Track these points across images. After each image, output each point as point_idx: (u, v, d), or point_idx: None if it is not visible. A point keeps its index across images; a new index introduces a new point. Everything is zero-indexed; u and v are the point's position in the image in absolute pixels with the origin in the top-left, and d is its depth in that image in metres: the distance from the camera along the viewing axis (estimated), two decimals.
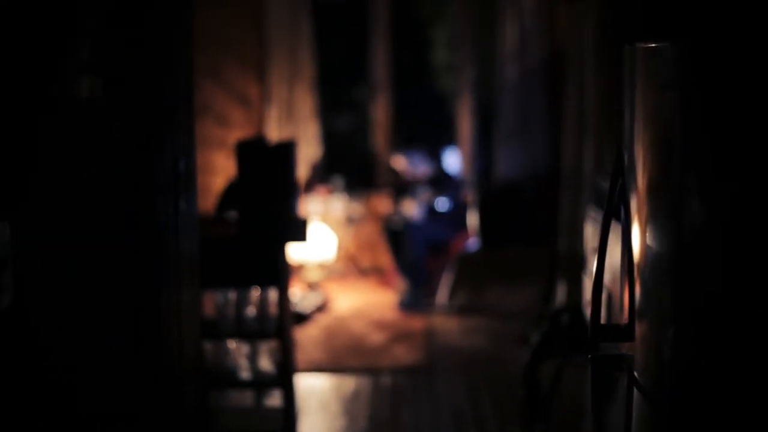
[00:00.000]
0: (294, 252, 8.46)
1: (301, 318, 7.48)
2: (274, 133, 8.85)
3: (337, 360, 6.50)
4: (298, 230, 4.31)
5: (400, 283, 8.23)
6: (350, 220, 8.97)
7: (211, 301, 4.35)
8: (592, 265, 4.51)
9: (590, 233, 4.57)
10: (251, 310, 4.34)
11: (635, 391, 2.23)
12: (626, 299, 2.34)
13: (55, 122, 2.00)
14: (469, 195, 8.36)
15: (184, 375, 2.92)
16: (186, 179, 2.66)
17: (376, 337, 7.06)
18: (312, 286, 8.29)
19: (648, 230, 2.18)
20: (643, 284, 2.20)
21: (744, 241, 1.89)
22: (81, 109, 2.12)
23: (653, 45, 2.14)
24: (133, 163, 2.34)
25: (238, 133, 8.98)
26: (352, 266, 9.02)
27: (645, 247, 2.19)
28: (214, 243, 4.19)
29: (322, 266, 8.55)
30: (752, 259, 1.87)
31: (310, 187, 8.81)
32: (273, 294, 4.29)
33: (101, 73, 2.18)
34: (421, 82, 9.84)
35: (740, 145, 1.88)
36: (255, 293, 4.32)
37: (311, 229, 8.16)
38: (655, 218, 2.13)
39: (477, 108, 9.10)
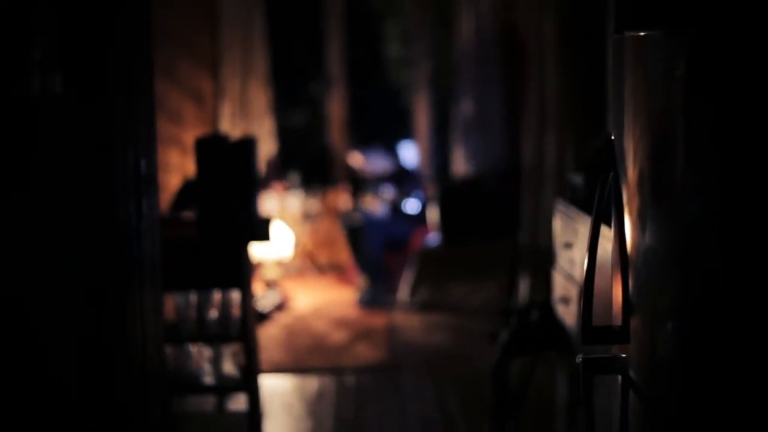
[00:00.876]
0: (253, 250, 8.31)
1: (261, 317, 7.34)
2: (228, 129, 8.69)
3: (299, 360, 6.37)
4: (260, 229, 4.18)
5: (360, 280, 8.11)
6: (307, 217, 8.84)
7: (172, 304, 4.20)
8: (565, 261, 4.43)
9: (559, 227, 4.49)
10: (213, 313, 4.20)
11: (630, 392, 2.13)
12: (615, 297, 2.24)
13: (13, 122, 1.88)
14: (429, 189, 8.26)
15: (148, 380, 2.79)
16: (147, 180, 2.52)
17: (338, 336, 6.94)
18: (270, 285, 8.15)
19: (640, 225, 2.08)
20: (636, 281, 2.11)
21: (747, 235, 1.80)
22: (41, 108, 1.99)
23: (645, 33, 2.04)
24: (94, 164, 2.21)
25: (191, 130, 8.82)
26: (310, 263, 8.89)
27: (638, 242, 2.09)
28: (174, 244, 4.05)
29: (280, 264, 8.41)
30: (755, 253, 1.79)
31: (266, 183, 8.67)
32: (235, 295, 4.15)
33: (59, 71, 2.07)
34: (376, 77, 9.72)
35: (745, 138, 1.78)
36: (217, 295, 4.18)
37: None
38: (649, 212, 2.03)
39: (434, 102, 9.01)
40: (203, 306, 4.16)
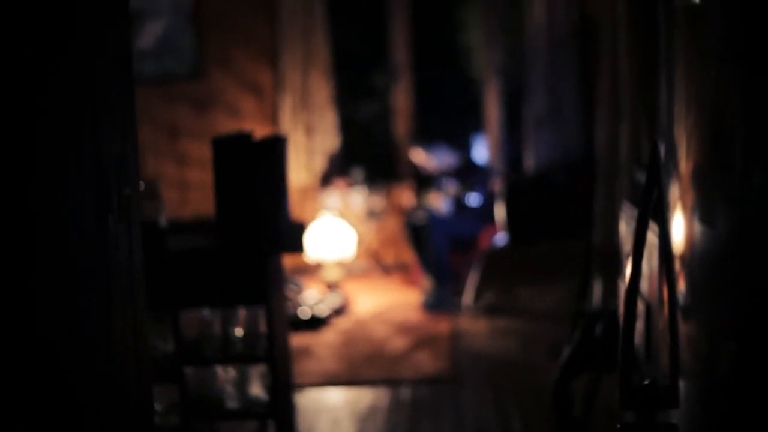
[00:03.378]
0: (310, 251, 7.95)
1: (318, 322, 6.96)
2: (289, 123, 8.33)
3: (353, 370, 5.97)
4: (289, 238, 3.78)
5: (425, 282, 7.68)
6: (371, 214, 8.43)
7: (195, 321, 3.83)
8: (627, 271, 3.95)
9: (625, 233, 4.00)
10: (239, 330, 3.81)
11: None
12: (659, 336, 1.80)
13: None
14: (497, 185, 7.79)
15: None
16: (118, 175, 2.14)
17: (398, 343, 6.52)
18: (331, 287, 7.76)
19: (697, 221, 1.66)
20: (691, 284, 1.67)
21: None
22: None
23: (698, 1, 1.59)
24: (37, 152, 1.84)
25: (250, 124, 8.48)
26: (374, 263, 8.48)
27: (695, 241, 1.66)
28: (190, 255, 3.68)
29: (342, 265, 8.02)
30: None
31: (327, 180, 8.28)
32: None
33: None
34: (445, 66, 9.25)
35: None
36: (243, 311, 3.80)
37: (312, 234, 7.67)
38: (706, 207, 1.61)
39: (505, 92, 8.54)
40: (227, 323, 3.78)
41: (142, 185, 3.82)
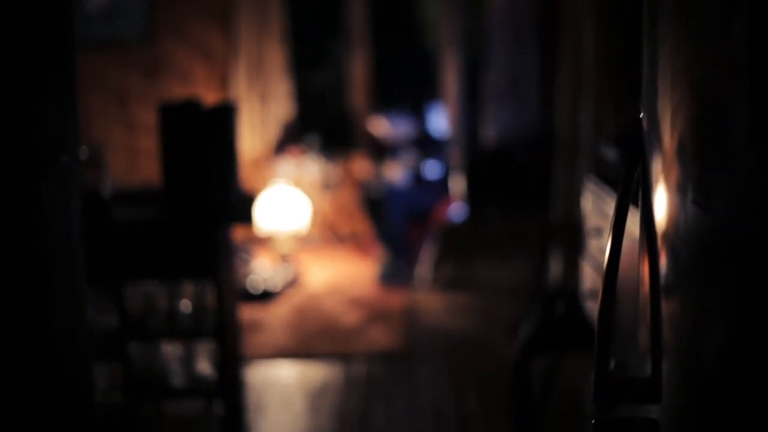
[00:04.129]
0: (261, 221, 7.76)
1: (270, 295, 6.79)
2: (243, 90, 8.12)
3: (305, 345, 5.82)
4: (239, 209, 3.60)
5: (380, 254, 7.53)
6: (326, 184, 8.25)
7: (140, 295, 3.65)
8: (595, 250, 3.81)
9: (589, 209, 3.87)
10: (186, 305, 3.64)
11: None
12: (642, 317, 1.66)
13: None
14: (455, 157, 7.64)
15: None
16: (56, 142, 1.96)
17: (351, 317, 6.37)
18: (283, 258, 7.59)
19: (680, 199, 1.53)
20: (674, 273, 1.54)
21: None
22: None
23: None
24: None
25: (201, 90, 8.25)
26: (329, 234, 8.32)
27: (678, 220, 1.53)
28: (135, 226, 3.50)
29: (295, 236, 7.84)
30: None
31: (281, 148, 8.09)
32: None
33: None
34: (403, 36, 9.07)
35: None
36: (190, 285, 3.62)
37: (265, 204, 7.48)
38: (693, 184, 1.48)
39: (464, 63, 8.37)
40: (174, 297, 3.60)
41: (84, 152, 3.63)
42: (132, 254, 3.49)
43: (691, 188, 1.58)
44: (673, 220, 1.67)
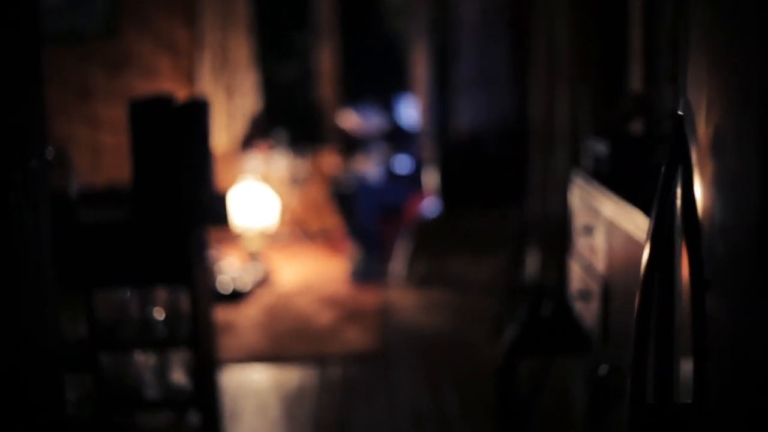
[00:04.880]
0: (229, 220, 7.57)
1: (240, 295, 6.61)
2: (208, 83, 7.92)
3: (279, 347, 5.65)
4: (213, 211, 3.43)
5: (352, 251, 7.37)
6: (295, 180, 8.07)
7: (110, 303, 3.47)
8: (584, 248, 3.68)
9: (578, 206, 3.73)
10: (159, 312, 3.46)
11: None
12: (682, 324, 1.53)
13: None
14: (427, 150, 7.48)
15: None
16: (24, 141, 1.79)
17: (325, 317, 6.21)
18: (252, 256, 7.40)
19: (717, 194, 1.41)
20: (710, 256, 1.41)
21: None
22: None
23: None
24: None
25: (166, 84, 8.05)
26: (298, 231, 8.14)
27: (713, 217, 1.41)
28: (104, 229, 3.32)
29: (264, 233, 7.67)
30: None
31: (248, 143, 7.91)
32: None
33: None
34: (371, 25, 8.90)
35: None
36: (162, 291, 3.44)
37: (232, 201, 7.30)
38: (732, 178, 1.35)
39: (434, 52, 8.21)
40: (146, 304, 3.42)
41: (50, 152, 3.44)
42: (101, 259, 3.31)
43: (728, 181, 1.47)
44: (708, 215, 1.56)
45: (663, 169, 1.60)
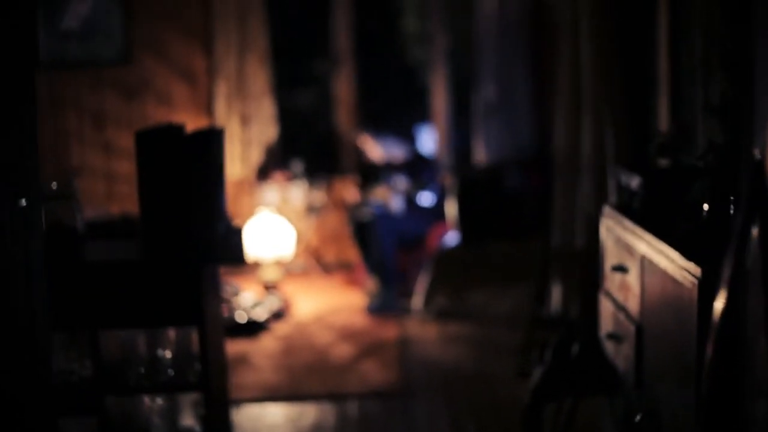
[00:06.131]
0: (247, 251, 7.43)
1: (256, 328, 6.46)
2: (223, 112, 7.81)
3: (295, 383, 5.48)
4: (227, 246, 3.27)
5: (369, 283, 7.20)
6: (311, 210, 7.93)
7: (117, 342, 3.31)
8: (615, 287, 3.51)
9: (609, 243, 3.56)
10: (168, 353, 3.30)
11: None
12: None
13: None
14: (447, 180, 7.32)
15: None
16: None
17: (342, 351, 6.05)
18: (268, 288, 7.25)
19: None
20: None
21: None
22: None
23: None
24: None
25: (182, 113, 7.94)
26: (315, 262, 7.99)
27: None
28: (111, 267, 3.17)
29: (280, 264, 7.52)
30: None
31: (265, 173, 7.77)
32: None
33: None
34: (389, 54, 8.77)
35: None
36: (171, 333, 3.29)
37: (249, 232, 7.17)
38: None
39: (453, 80, 8.08)
40: (154, 344, 3.26)
41: (54, 185, 3.30)
42: (106, 298, 3.16)
43: None
44: None
45: (740, 215, 1.44)
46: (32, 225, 1.78)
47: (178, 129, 3.17)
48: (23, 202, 1.65)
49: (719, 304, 1.44)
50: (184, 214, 3.05)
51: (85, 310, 3.18)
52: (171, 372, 3.27)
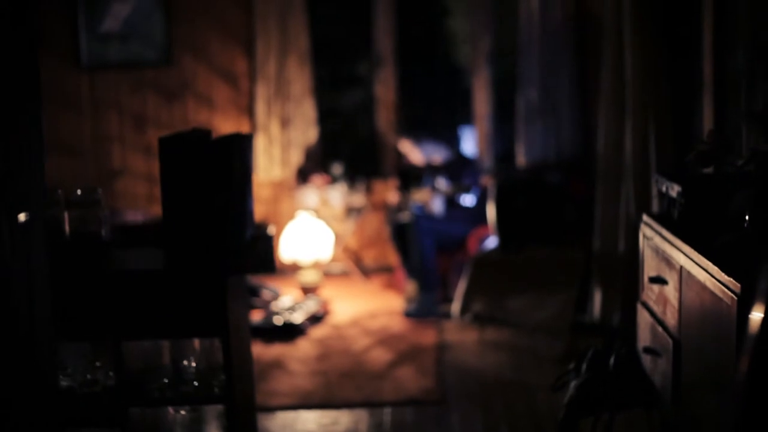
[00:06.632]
0: (285, 252, 7.39)
1: (293, 331, 6.40)
2: (263, 114, 7.76)
3: (329, 389, 5.41)
4: (253, 254, 3.19)
5: (409, 287, 7.12)
6: (351, 213, 7.86)
7: (141, 349, 3.25)
8: (653, 300, 3.39)
9: (647, 253, 3.45)
10: (192, 364, 3.24)
11: None
12: None
13: None
14: (488, 182, 7.21)
15: None
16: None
17: (379, 356, 5.97)
18: (307, 291, 7.20)
19: None
20: None
21: None
22: None
23: None
24: None
25: (223, 115, 7.91)
26: (354, 266, 7.92)
27: None
28: (134, 276, 3.11)
29: (319, 267, 7.46)
30: None
31: (304, 176, 7.71)
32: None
33: None
34: (432, 55, 8.67)
35: None
36: (196, 343, 3.22)
37: (288, 235, 7.11)
38: None
39: (495, 82, 7.98)
40: (179, 355, 3.20)
41: (78, 192, 3.25)
42: (130, 308, 3.10)
43: None
44: None
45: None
46: (34, 239, 1.71)
47: (203, 134, 3.10)
48: (22, 216, 1.59)
49: (756, 316, 1.36)
50: (208, 222, 2.99)
51: (108, 319, 3.12)
52: (195, 383, 3.20)
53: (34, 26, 1.74)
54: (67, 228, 3.18)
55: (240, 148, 3.11)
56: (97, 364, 3.25)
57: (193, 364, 3.23)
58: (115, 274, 3.14)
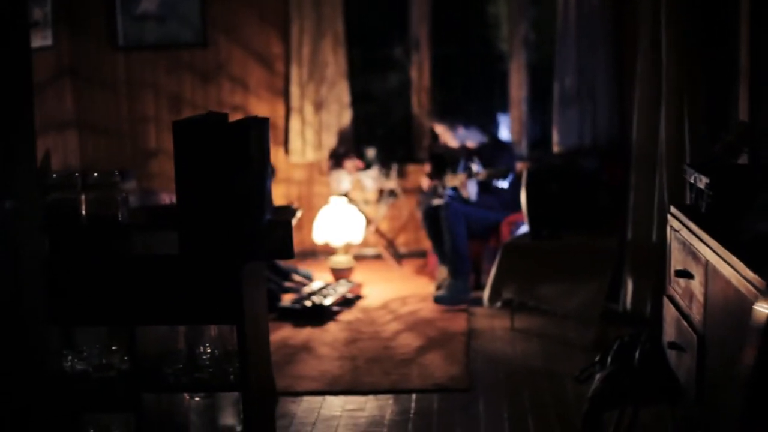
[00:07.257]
0: (318, 237, 7.37)
1: (323, 315, 6.37)
2: (297, 97, 7.72)
3: (356, 374, 5.39)
4: (270, 240, 3.15)
5: (440, 272, 7.06)
6: (384, 197, 7.80)
7: (156, 333, 3.23)
8: (679, 293, 3.32)
9: (674, 246, 3.37)
10: (208, 351, 3.20)
11: None
12: None
13: None
14: (522, 168, 7.10)
15: None
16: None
17: (407, 342, 5.93)
18: (338, 275, 7.17)
19: None
20: None
21: None
22: None
23: None
24: None
25: (257, 97, 7.88)
26: (386, 250, 7.87)
27: None
28: (150, 263, 3.08)
29: (351, 251, 7.42)
30: None
31: (337, 160, 7.66)
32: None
33: None
34: (468, 39, 8.57)
35: None
36: (212, 329, 3.19)
37: (321, 219, 7.04)
38: None
39: (532, 67, 7.88)
40: (194, 341, 3.17)
41: (94, 177, 3.23)
42: (145, 292, 3.07)
43: None
44: None
45: None
46: (22, 225, 1.68)
47: (219, 118, 3.06)
48: (7, 204, 1.56)
49: (762, 308, 1.30)
50: (223, 207, 2.95)
51: (124, 303, 3.10)
52: (210, 369, 3.18)
53: (24, 10, 1.71)
54: (84, 211, 3.15)
55: (257, 132, 3.07)
56: (113, 348, 3.23)
57: (209, 350, 3.20)
58: (130, 258, 3.11)
